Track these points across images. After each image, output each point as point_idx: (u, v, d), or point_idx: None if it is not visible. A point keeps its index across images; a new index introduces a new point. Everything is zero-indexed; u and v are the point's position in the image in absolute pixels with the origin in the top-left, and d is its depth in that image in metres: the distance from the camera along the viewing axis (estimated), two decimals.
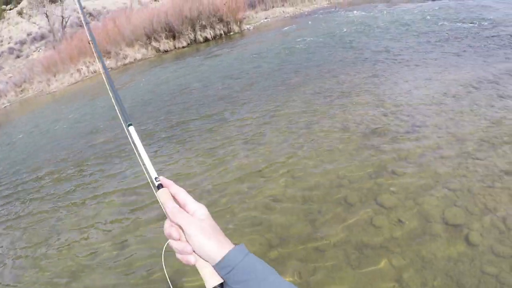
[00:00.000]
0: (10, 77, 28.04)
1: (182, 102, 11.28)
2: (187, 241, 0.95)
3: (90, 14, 38.29)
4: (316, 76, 10.92)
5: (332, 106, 8.36)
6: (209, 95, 11.39)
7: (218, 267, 0.93)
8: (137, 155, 1.19)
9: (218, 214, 5.33)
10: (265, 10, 32.46)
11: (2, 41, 38.19)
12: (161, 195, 1.03)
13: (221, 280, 0.94)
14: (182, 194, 1.03)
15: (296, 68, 12.17)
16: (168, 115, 10.37)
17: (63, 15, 36.50)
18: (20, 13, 39.55)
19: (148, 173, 1.13)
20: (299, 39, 17.39)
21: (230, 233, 4.81)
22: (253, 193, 5.73)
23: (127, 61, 22.46)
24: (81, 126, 12.08)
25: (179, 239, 0.96)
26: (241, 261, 0.92)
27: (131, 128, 1.26)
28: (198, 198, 5.14)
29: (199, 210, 1.00)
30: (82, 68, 22.50)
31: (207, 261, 0.95)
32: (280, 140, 7.26)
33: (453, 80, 8.70)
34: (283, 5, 33.53)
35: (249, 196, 5.68)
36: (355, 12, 25.96)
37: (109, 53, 23.05)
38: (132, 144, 1.22)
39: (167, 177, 1.08)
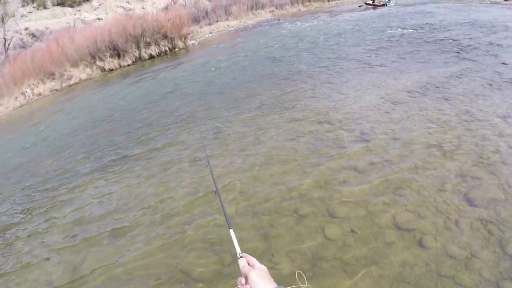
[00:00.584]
0: None
1: (126, 124, 11.30)
2: (249, 285, 1.41)
3: (33, 35, 37.71)
4: (262, 90, 11.24)
5: (278, 119, 8.50)
6: (145, 116, 11.58)
7: None
8: (233, 239, 1.77)
9: (169, 244, 5.15)
10: (210, 24, 33.11)
11: None
12: (241, 261, 1.54)
13: None
14: (252, 260, 1.54)
15: (241, 83, 12.50)
16: (109, 141, 10.21)
17: (5, 37, 35.82)
18: None
19: (236, 249, 1.69)
20: (242, 53, 18.01)
21: (184, 253, 4.89)
22: (207, 213, 5.61)
23: (72, 81, 22.40)
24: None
25: (244, 285, 1.43)
26: None
27: (231, 231, 1.87)
28: (152, 221, 5.65)
29: (260, 265, 1.50)
30: (26, 91, 22.23)
31: None
32: (227, 157, 7.21)
33: (398, 86, 9.23)
34: (227, 19, 34.26)
35: (201, 220, 5.51)
36: (298, 23, 26.99)
37: (53, 74, 22.91)
38: (233, 235, 1.80)
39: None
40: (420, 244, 4.20)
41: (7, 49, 35.44)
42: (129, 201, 6.55)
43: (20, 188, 8.62)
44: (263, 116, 9.00)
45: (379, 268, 3.95)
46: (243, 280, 1.44)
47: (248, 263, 1.54)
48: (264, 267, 1.50)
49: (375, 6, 33.98)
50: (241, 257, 1.59)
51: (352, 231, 4.51)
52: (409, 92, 8.82)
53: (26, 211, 7.40)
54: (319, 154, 6.60)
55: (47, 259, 5.47)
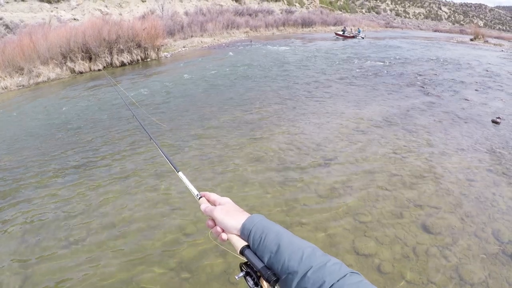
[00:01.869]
0: None
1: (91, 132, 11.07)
2: (218, 225, 1.34)
3: (7, 26, 37.29)
4: (228, 109, 11.37)
5: (243, 140, 8.52)
6: (117, 125, 11.38)
7: (242, 234, 1.26)
8: (184, 181, 1.71)
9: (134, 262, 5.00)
10: (184, 39, 33.69)
11: None
12: (201, 201, 1.50)
13: (246, 243, 1.24)
14: (212, 196, 1.49)
15: (210, 101, 12.54)
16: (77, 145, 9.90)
17: None
18: None
19: (192, 192, 1.59)
20: (212, 71, 18.53)
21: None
22: (160, 229, 5.59)
23: (40, 79, 22.34)
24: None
25: (214, 226, 1.36)
26: (255, 224, 1.23)
27: (180, 173, 1.81)
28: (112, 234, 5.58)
29: (222, 200, 1.43)
30: None
31: (233, 233, 1.29)
32: (191, 173, 7.09)
33: (363, 115, 9.66)
34: (202, 35, 34.94)
35: (158, 232, 5.53)
36: (270, 47, 27.93)
37: (22, 69, 22.84)
38: (183, 177, 1.74)
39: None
40: (379, 270, 4.32)
41: None
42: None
43: None
44: (226, 133, 9.11)
45: None
46: (210, 222, 1.38)
47: (209, 201, 1.50)
48: (227, 200, 1.43)
49: (345, 38, 35.69)
50: (200, 197, 1.54)
51: None
52: (372, 121, 9.28)
53: None
54: (282, 175, 6.78)
55: None
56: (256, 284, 1.14)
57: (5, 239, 5.74)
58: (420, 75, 15.07)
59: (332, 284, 0.95)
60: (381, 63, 17.77)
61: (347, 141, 8.18)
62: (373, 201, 5.79)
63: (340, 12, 79.71)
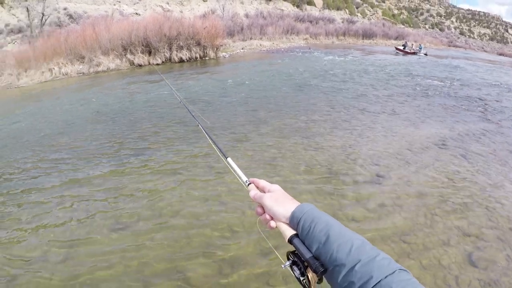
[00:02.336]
0: None
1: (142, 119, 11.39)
2: (267, 213, 1.31)
3: (71, 16, 38.34)
4: (281, 114, 11.13)
5: (296, 148, 8.38)
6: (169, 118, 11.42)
7: (291, 222, 1.23)
8: (231, 170, 1.68)
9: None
10: (243, 40, 33.44)
11: None
12: (250, 188, 1.46)
13: (294, 232, 1.21)
14: (261, 183, 1.45)
15: (264, 105, 12.39)
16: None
17: (44, 12, 36.52)
18: (1, 3, 39.25)
19: (240, 178, 1.57)
20: (269, 75, 18.01)
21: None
22: (207, 223, 5.57)
23: (99, 68, 22.66)
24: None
25: (263, 213, 1.33)
26: (305, 213, 1.19)
27: (229, 159, 1.75)
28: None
29: (272, 187, 1.39)
30: (54, 68, 22.56)
31: (282, 221, 1.26)
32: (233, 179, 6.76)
33: (419, 135, 9.20)
34: (261, 38, 34.62)
35: (204, 225, 5.51)
36: (330, 56, 27.24)
37: (83, 58, 23.25)
38: (232, 163, 1.69)
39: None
40: None
41: (43, 24, 36.13)
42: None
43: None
44: (281, 139, 8.97)
45: None
46: (259, 209, 1.35)
47: (258, 188, 1.46)
48: (277, 187, 1.39)
49: (405, 53, 34.36)
50: (249, 183, 1.50)
51: None
52: (428, 142, 8.84)
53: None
54: (333, 186, 6.60)
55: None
56: (303, 274, 1.12)
57: (56, 215, 6.01)
58: (480, 99, 14.02)
59: (380, 280, 0.93)
60: (441, 83, 16.79)
61: (401, 160, 7.86)
62: (421, 223, 5.58)
63: (403, 26, 77.55)
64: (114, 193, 6.60)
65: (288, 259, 1.19)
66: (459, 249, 5.03)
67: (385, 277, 0.93)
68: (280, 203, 1.28)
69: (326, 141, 8.83)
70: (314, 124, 10.15)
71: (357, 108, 11.81)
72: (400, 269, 0.96)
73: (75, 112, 12.94)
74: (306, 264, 1.11)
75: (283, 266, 1.19)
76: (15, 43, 33.33)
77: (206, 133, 2.21)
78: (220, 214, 5.77)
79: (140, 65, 23.74)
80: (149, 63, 23.99)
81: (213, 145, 2.01)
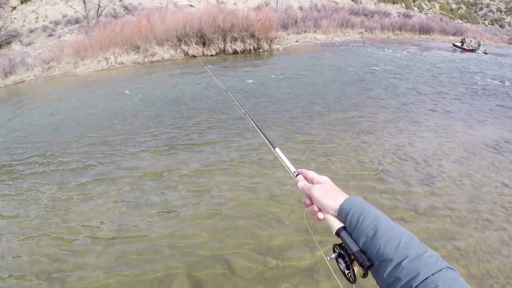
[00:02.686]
0: (40, 53, 28.53)
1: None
2: (315, 204, 1.30)
3: (126, 8, 38.90)
4: (341, 107, 10.89)
5: (350, 142, 8.24)
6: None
7: (339, 215, 1.21)
8: (280, 160, 1.68)
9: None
10: (297, 33, 32.86)
11: (37, 18, 38.96)
12: (298, 179, 1.45)
13: (342, 224, 1.19)
14: (309, 174, 1.43)
15: (319, 98, 12.10)
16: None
17: (100, 4, 37.23)
18: None
19: (289, 169, 1.57)
20: (323, 69, 17.44)
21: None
22: (255, 212, 5.62)
23: (154, 58, 22.78)
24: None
25: (311, 204, 1.31)
26: (353, 206, 1.17)
27: (277, 149, 1.76)
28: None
29: (321, 179, 1.36)
30: (110, 58, 22.85)
31: (330, 213, 1.24)
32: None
33: (477, 137, 8.65)
34: (315, 32, 33.93)
35: (252, 214, 5.57)
36: (386, 50, 26.22)
37: (138, 48, 23.42)
38: (280, 153, 1.71)
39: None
40: None
41: (99, 15, 36.83)
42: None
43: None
44: (332, 133, 8.81)
45: None
46: (307, 200, 1.34)
47: (306, 179, 1.44)
48: (325, 179, 1.36)
49: (463, 50, 32.63)
50: (297, 174, 1.49)
51: None
52: (485, 145, 8.25)
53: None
54: (383, 184, 6.42)
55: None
56: (348, 267, 1.11)
57: (107, 198, 6.29)
58: None
59: (426, 278, 0.92)
60: (501, 83, 15.50)
61: (455, 161, 7.41)
62: (472, 229, 5.27)
63: (461, 21, 74.18)
64: (163, 180, 6.74)
65: (334, 251, 1.19)
66: (509, 260, 4.71)
67: (432, 274, 0.92)
68: (329, 195, 1.27)
69: (378, 137, 8.55)
70: (366, 120, 9.77)
71: (410, 106, 11.26)
72: (447, 267, 0.94)
73: (128, 100, 13.21)
74: (352, 257, 1.10)
75: (328, 258, 1.18)
76: (72, 33, 34.12)
77: (254, 123, 2.23)
78: (268, 205, 5.78)
79: (194, 56, 23.62)
80: (203, 54, 23.87)
81: (262, 135, 2.02)
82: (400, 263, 0.98)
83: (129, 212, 5.80)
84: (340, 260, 1.15)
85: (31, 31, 36.20)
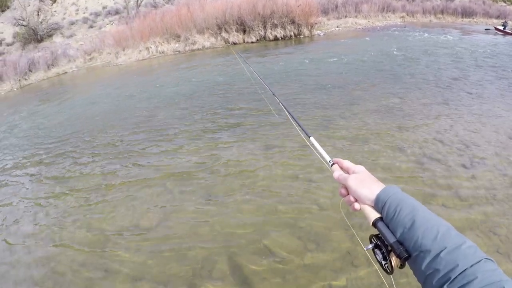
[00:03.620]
0: (81, 44, 28.99)
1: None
2: (351, 195, 1.27)
3: None
4: (382, 93, 10.77)
5: (392, 126, 8.22)
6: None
7: (375, 205, 1.18)
8: (314, 150, 1.70)
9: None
10: (338, 18, 32.20)
11: (78, 10, 39.61)
12: (334, 168, 1.42)
13: (379, 215, 1.17)
14: (345, 163, 1.40)
15: (360, 83, 12.00)
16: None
17: None
18: None
19: (324, 159, 1.56)
20: (365, 54, 17.04)
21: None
22: (296, 197, 5.75)
23: (195, 47, 22.74)
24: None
25: (347, 194, 1.29)
26: (390, 196, 1.15)
27: (312, 138, 1.78)
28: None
29: (357, 168, 1.33)
30: (151, 47, 22.95)
31: (366, 203, 1.21)
32: (334, 152, 7.09)
33: None
34: (356, 16, 33.19)
35: (292, 199, 5.70)
36: (427, 34, 25.37)
37: (179, 37, 23.42)
38: (312, 147, 1.74)
39: None
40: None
41: (139, 5, 37.09)
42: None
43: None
44: (373, 119, 8.75)
45: None
46: (343, 191, 1.31)
47: (342, 169, 1.41)
48: (361, 168, 1.33)
49: (505, 33, 31.10)
50: (332, 164, 1.47)
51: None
52: None
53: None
54: (424, 170, 6.34)
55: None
56: (385, 258, 1.11)
57: (153, 182, 6.65)
58: None
59: (465, 269, 0.91)
60: None
61: (498, 147, 7.22)
62: None
63: (504, 4, 71.55)
64: (206, 166, 6.99)
65: (371, 242, 1.17)
66: None
67: (471, 266, 0.90)
68: (365, 185, 1.24)
69: (419, 123, 8.39)
70: (408, 106, 9.60)
71: (451, 91, 10.89)
72: (486, 259, 0.93)
73: (171, 88, 13.49)
74: (389, 248, 1.09)
75: (365, 248, 1.17)
76: (113, 24, 34.51)
77: (288, 112, 2.23)
78: (309, 191, 5.83)
79: (235, 43, 23.47)
80: (244, 41, 23.63)
81: (295, 125, 2.02)
82: (438, 254, 0.96)
83: (172, 198, 6.09)
84: (377, 250, 1.14)
85: (72, 23, 36.83)
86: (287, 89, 11.61)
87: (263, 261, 4.42)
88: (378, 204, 1.17)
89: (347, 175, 1.31)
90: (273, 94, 2.94)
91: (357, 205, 1.24)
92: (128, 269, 4.58)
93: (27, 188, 7.34)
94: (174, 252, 4.77)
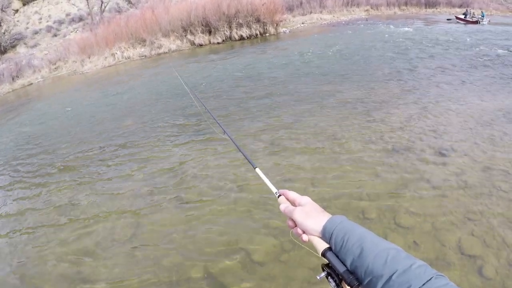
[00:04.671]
0: (46, 54, 28.52)
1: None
2: (298, 227, 1.28)
3: (129, 1, 38.66)
4: (349, 86, 10.87)
5: (360, 118, 8.29)
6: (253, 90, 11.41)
7: (323, 236, 1.20)
8: (262, 178, 1.67)
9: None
10: (303, 15, 32.41)
11: (41, 19, 38.93)
12: (280, 201, 1.44)
13: (327, 245, 1.17)
14: (291, 195, 1.41)
15: (329, 77, 12.10)
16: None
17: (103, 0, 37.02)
18: None
19: (271, 189, 1.55)
20: (331, 49, 17.21)
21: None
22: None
23: (161, 50, 22.61)
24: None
25: (294, 226, 1.30)
26: (337, 226, 1.17)
27: (257, 169, 1.77)
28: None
29: (303, 200, 1.35)
30: (116, 53, 22.74)
31: (314, 235, 1.22)
32: (303, 147, 7.20)
33: (487, 107, 8.52)
34: (321, 12, 33.44)
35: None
36: (391, 27, 25.72)
37: (144, 41, 23.26)
38: (260, 173, 1.71)
39: None
40: (480, 272, 4.04)
41: (103, 11, 36.65)
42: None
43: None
44: (344, 111, 8.85)
45: None
46: (291, 223, 1.33)
47: (288, 200, 1.43)
48: (307, 200, 1.35)
49: (466, 22, 31.78)
50: (279, 195, 1.48)
51: (415, 243, 4.43)
52: (495, 115, 8.08)
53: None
54: (396, 160, 6.42)
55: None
56: (338, 285, 1.12)
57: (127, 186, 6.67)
58: None
59: None
60: (507, 51, 15.11)
61: (467, 133, 7.34)
62: (486, 201, 5.22)
63: None
64: (175, 173, 6.91)
65: (323, 270, 1.18)
66: None
67: (423, 284, 0.92)
68: (311, 217, 1.26)
69: (390, 114, 8.49)
70: (377, 97, 9.72)
71: (419, 80, 11.11)
72: (437, 275, 0.95)
73: (139, 94, 13.45)
74: (340, 277, 1.10)
75: (318, 277, 1.18)
76: (77, 31, 34.05)
77: (233, 142, 2.21)
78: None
79: (201, 45, 23.38)
80: (210, 42, 23.59)
81: (242, 154, 2.02)
82: (390, 277, 0.99)
83: (190, 190, 6.12)
84: (330, 279, 1.15)
85: (36, 32, 36.20)
86: (254, 86, 11.73)
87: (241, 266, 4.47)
88: (325, 235, 1.20)
89: (292, 207, 1.34)
90: (219, 124, 2.82)
91: (305, 237, 1.26)
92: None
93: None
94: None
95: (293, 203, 1.39)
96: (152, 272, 4.56)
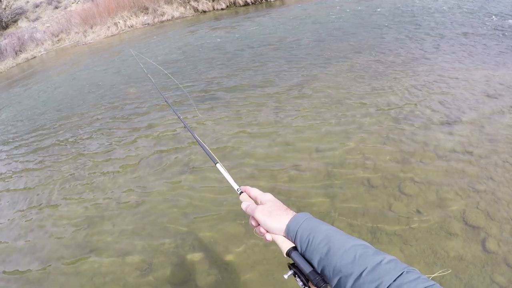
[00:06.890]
0: (48, 27, 28.21)
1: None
2: (261, 226, 1.23)
3: None
4: (354, 51, 10.60)
5: (366, 85, 8.10)
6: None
7: (287, 235, 1.17)
8: (223, 174, 1.60)
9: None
10: None
11: None
12: (242, 198, 1.38)
13: (292, 244, 1.14)
14: (253, 192, 1.36)
15: (334, 44, 11.73)
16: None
17: None
18: None
19: (232, 186, 1.49)
20: (335, 15, 16.75)
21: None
22: (281, 162, 5.77)
23: (164, 18, 22.22)
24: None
25: (257, 225, 1.25)
26: (301, 225, 1.14)
27: (218, 165, 1.68)
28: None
29: (264, 198, 1.30)
30: (119, 22, 22.42)
31: (277, 234, 1.19)
32: (309, 116, 7.12)
33: (494, 78, 8.19)
34: None
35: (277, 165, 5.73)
36: None
37: (147, 9, 22.87)
38: (221, 169, 1.64)
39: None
40: (483, 245, 3.98)
41: None
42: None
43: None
44: (349, 78, 8.62)
45: (435, 257, 3.86)
46: (253, 222, 1.27)
47: (250, 197, 1.39)
48: (269, 197, 1.30)
49: None
50: (240, 192, 1.43)
51: (418, 211, 4.39)
52: (504, 86, 7.79)
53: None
54: (402, 129, 6.29)
55: None
56: (305, 284, 1.08)
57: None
58: None
59: (390, 284, 0.91)
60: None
61: (473, 103, 7.06)
62: (492, 172, 5.07)
63: None
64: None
65: (290, 269, 1.14)
66: None
67: (394, 280, 0.91)
68: (273, 216, 1.21)
69: (396, 82, 8.23)
70: (383, 64, 9.39)
71: (425, 48, 10.68)
72: (407, 270, 0.94)
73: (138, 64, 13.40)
74: (307, 277, 1.07)
75: (285, 276, 1.15)
76: (78, 2, 33.51)
77: (194, 136, 2.07)
78: None
79: (205, 11, 22.85)
80: (214, 8, 23.08)
81: (204, 150, 1.88)
82: (360, 275, 0.96)
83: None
84: (297, 278, 1.11)
85: (36, 6, 35.68)
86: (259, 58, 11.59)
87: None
88: (289, 234, 1.16)
89: (254, 206, 1.29)
90: (178, 117, 2.60)
91: (268, 236, 1.22)
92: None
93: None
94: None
95: (255, 200, 1.35)
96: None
